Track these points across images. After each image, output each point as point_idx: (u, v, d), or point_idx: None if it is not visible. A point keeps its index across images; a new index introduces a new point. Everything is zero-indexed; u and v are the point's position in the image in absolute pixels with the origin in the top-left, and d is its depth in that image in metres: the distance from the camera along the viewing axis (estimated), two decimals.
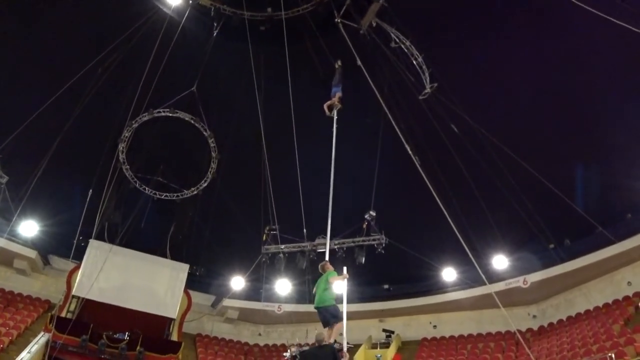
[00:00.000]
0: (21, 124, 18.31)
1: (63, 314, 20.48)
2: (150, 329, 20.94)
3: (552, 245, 20.28)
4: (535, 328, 21.29)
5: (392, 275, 24.42)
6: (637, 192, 17.67)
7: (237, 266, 24.74)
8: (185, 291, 23.84)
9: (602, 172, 18.37)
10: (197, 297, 25.42)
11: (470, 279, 21.35)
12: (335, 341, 8.22)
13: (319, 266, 9.30)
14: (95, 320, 19.55)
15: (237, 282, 24.90)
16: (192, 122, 22.14)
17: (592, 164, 18.63)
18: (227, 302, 25.37)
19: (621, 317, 17.09)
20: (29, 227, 22.23)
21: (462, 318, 23.23)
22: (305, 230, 20.18)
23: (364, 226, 20.67)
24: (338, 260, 19.70)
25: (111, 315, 20.68)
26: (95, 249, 21.90)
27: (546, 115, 19.60)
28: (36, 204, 21.16)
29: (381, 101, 15.50)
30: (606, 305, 18.90)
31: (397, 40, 19.09)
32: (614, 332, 16.11)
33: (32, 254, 22.46)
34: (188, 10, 20.05)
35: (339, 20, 19.27)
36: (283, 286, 25.05)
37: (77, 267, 21.95)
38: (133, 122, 21.23)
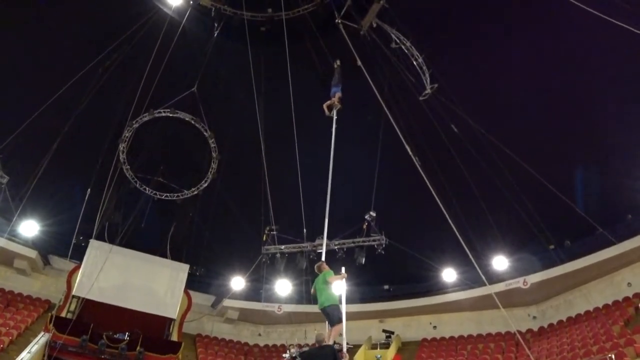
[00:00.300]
0: (22, 123, 18.33)
1: (63, 314, 20.53)
2: (150, 329, 20.95)
3: (552, 246, 20.28)
4: (535, 329, 21.27)
5: (392, 276, 24.42)
6: (637, 193, 17.66)
7: (237, 266, 24.76)
8: (186, 291, 23.86)
9: (602, 172, 18.39)
10: (197, 297, 25.44)
11: (470, 280, 21.36)
12: (335, 342, 8.21)
13: (315, 266, 9.31)
14: (95, 321, 19.56)
15: (237, 283, 24.92)
16: (193, 122, 22.16)
17: (592, 165, 18.64)
18: (227, 302, 25.37)
19: (621, 318, 17.09)
20: (29, 227, 22.24)
21: (462, 319, 23.22)
22: (305, 231, 20.20)
23: (364, 227, 20.69)
24: (338, 260, 19.72)
25: (111, 315, 20.70)
26: (96, 249, 21.92)
27: (546, 116, 19.59)
28: (36, 204, 21.19)
29: (381, 102, 15.50)
30: (606, 306, 18.89)
31: (398, 40, 19.11)
32: (614, 333, 16.10)
33: (32, 253, 22.47)
34: (189, 10, 20.07)
35: (339, 21, 19.26)
36: (283, 286, 25.06)
37: (78, 267, 21.99)
38: (134, 122, 21.25)
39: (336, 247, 20.58)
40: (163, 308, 22.63)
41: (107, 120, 21.12)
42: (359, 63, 16.56)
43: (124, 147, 21.91)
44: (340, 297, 9.06)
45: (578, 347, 16.62)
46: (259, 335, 26.65)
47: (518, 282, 20.45)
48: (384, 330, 23.44)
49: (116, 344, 19.12)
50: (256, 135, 19.58)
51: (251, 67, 18.95)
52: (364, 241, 20.77)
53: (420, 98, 19.18)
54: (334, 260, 19.44)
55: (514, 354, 19.62)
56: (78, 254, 22.20)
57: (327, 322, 8.64)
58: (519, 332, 20.04)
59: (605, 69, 17.58)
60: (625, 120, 17.33)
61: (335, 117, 12.15)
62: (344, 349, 8.23)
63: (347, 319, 8.62)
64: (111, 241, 22.37)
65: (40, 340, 17.88)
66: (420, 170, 13.68)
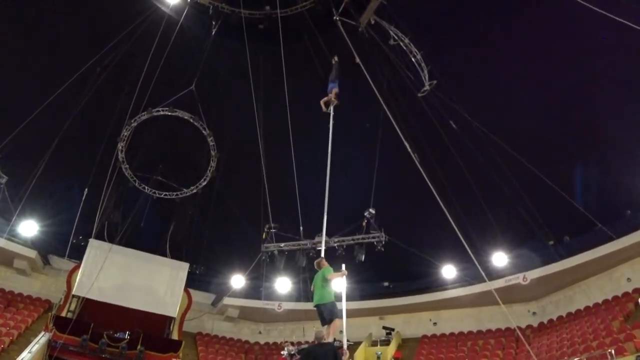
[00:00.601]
0: (20, 123, 18.29)
1: (63, 314, 20.52)
2: (150, 328, 20.95)
3: (551, 242, 20.30)
4: (535, 325, 21.31)
5: (392, 273, 24.45)
6: (636, 189, 17.66)
7: (237, 265, 24.77)
8: (186, 290, 23.87)
9: (601, 169, 18.37)
10: (197, 295, 25.45)
11: (470, 276, 21.38)
12: (334, 339, 8.19)
13: (315, 263, 9.26)
14: (95, 320, 19.54)
15: (237, 281, 24.93)
16: (191, 120, 22.11)
17: (591, 161, 18.62)
18: (227, 300, 25.40)
19: (621, 314, 17.12)
20: (29, 227, 22.23)
21: (462, 315, 23.27)
22: (301, 229, 20.18)
23: (364, 224, 20.67)
24: (338, 258, 19.72)
25: (112, 314, 20.69)
26: (95, 249, 21.91)
27: (545, 112, 19.59)
28: (36, 204, 21.17)
29: (380, 99, 15.47)
30: (606, 301, 18.92)
31: (396, 37, 19.08)
32: (613, 328, 16.13)
33: (32, 253, 22.47)
34: (186, 8, 20.01)
35: (337, 18, 19.23)
36: (283, 284, 25.07)
37: (77, 267, 21.98)
38: (132, 121, 21.20)
39: (336, 245, 20.58)
40: (163, 307, 22.64)
41: (106, 119, 21.07)
42: (358, 60, 16.54)
43: (122, 146, 21.86)
44: (339, 294, 9.04)
45: (578, 343, 16.66)
46: (260, 333, 26.69)
47: (518, 278, 20.47)
48: (384, 327, 23.45)
49: (117, 343, 19.11)
50: (255, 133, 19.56)
51: (249, 64, 18.90)
52: (363, 238, 20.75)
53: (419, 95, 19.16)
54: (334, 258, 19.44)
55: (514, 350, 19.66)
56: (78, 254, 22.19)
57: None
58: (519, 328, 20.03)
59: (605, 66, 17.57)
60: (624, 116, 17.32)
61: (332, 113, 12.13)
62: (345, 346, 8.19)
63: (347, 316, 8.61)
64: (111, 240, 22.37)
65: (40, 340, 17.89)
66: (420, 167, 13.66)
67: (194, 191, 23.50)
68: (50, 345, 17.86)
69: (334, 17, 19.32)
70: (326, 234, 20.02)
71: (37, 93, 19.18)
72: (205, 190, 23.57)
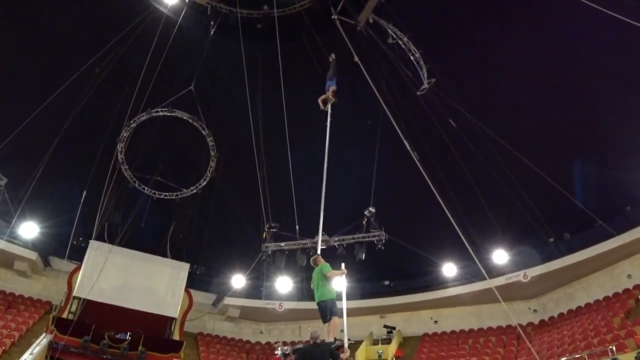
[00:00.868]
0: (19, 125, 18.27)
1: (64, 315, 20.54)
2: (151, 329, 20.98)
3: (551, 239, 20.30)
4: (536, 322, 21.33)
5: (393, 271, 24.44)
6: (636, 185, 17.64)
7: (237, 264, 24.77)
8: (186, 290, 23.88)
9: (601, 165, 18.36)
10: (198, 296, 25.46)
11: (470, 274, 21.39)
12: (335, 338, 8.16)
13: (311, 260, 9.23)
14: (96, 321, 19.55)
15: (238, 281, 24.93)
16: (190, 120, 22.09)
17: (591, 158, 18.61)
18: (228, 300, 25.41)
19: (621, 310, 17.12)
20: (29, 229, 22.20)
21: (463, 313, 23.28)
22: (297, 227, 20.16)
23: (364, 223, 20.66)
24: (338, 257, 19.73)
25: (113, 315, 20.70)
26: (96, 250, 21.93)
27: (545, 109, 19.57)
28: (36, 206, 21.16)
29: (379, 97, 15.47)
30: (606, 298, 18.93)
31: (395, 36, 19.07)
32: (614, 325, 16.14)
33: (33, 255, 22.48)
34: (184, 9, 20.00)
35: (335, 17, 19.21)
36: (283, 284, 25.07)
37: (78, 268, 22.00)
38: (131, 121, 21.18)
39: (336, 244, 20.57)
40: (164, 307, 22.66)
41: (105, 120, 21.05)
42: (357, 59, 16.53)
43: (122, 147, 21.84)
44: (340, 293, 9.02)
45: (579, 340, 16.67)
46: (261, 332, 26.70)
47: (518, 276, 20.47)
48: (385, 326, 23.48)
49: (118, 344, 19.12)
50: (255, 132, 19.55)
51: (246, 64, 18.86)
52: (363, 237, 20.74)
53: (418, 93, 19.16)
54: (334, 257, 19.45)
55: (515, 348, 19.67)
56: (78, 255, 22.20)
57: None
58: (520, 325, 20.07)
59: (605, 63, 17.57)
60: (624, 112, 17.32)
61: (329, 111, 12.12)
62: (345, 345, 8.14)
63: (348, 315, 8.59)
64: (111, 241, 22.36)
65: (42, 342, 17.94)
66: (419, 166, 13.66)
67: (194, 191, 23.47)
68: (51, 346, 17.89)
69: (333, 16, 19.30)
70: (327, 233, 20.16)
71: (36, 94, 19.17)
72: (205, 191, 23.56)
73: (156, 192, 23.41)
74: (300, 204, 18.61)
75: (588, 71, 17.72)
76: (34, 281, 23.29)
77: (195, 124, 22.20)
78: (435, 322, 23.83)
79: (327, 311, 8.32)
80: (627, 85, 17.19)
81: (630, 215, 18.42)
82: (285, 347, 10.28)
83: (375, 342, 22.84)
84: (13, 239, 21.86)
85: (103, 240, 22.31)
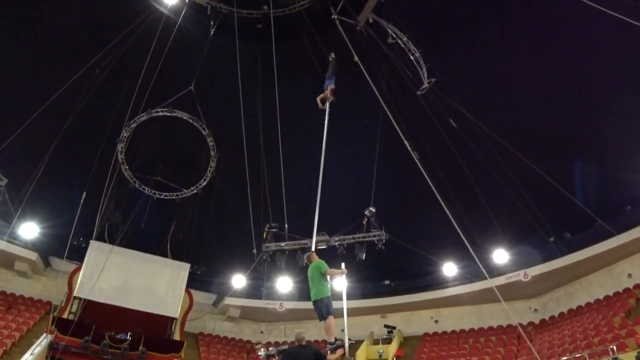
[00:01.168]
0: (19, 125, 18.28)
1: (65, 316, 20.55)
2: (152, 329, 20.98)
3: (552, 239, 20.28)
4: (537, 321, 21.33)
5: (393, 271, 24.43)
6: (636, 185, 17.66)
7: (237, 264, 24.76)
8: (187, 290, 23.88)
9: (601, 165, 18.37)
10: (198, 296, 25.46)
11: (470, 274, 21.39)
12: (336, 338, 8.14)
13: (305, 257, 9.18)
14: (97, 321, 19.56)
15: (238, 281, 24.93)
16: (191, 121, 22.09)
17: (591, 157, 18.62)
18: (228, 300, 25.41)
19: (622, 310, 17.13)
20: (30, 229, 22.19)
21: (463, 313, 23.29)
22: (286, 226, 20.15)
23: (364, 222, 20.67)
24: (339, 257, 19.73)
25: (113, 315, 20.70)
26: (96, 250, 21.93)
27: (545, 109, 19.55)
28: (36, 206, 21.14)
29: (379, 97, 15.47)
30: (607, 297, 18.94)
31: (394, 36, 19.07)
32: (615, 324, 16.15)
33: (33, 256, 22.48)
34: (184, 9, 19.99)
35: (335, 17, 19.21)
36: (284, 284, 25.09)
37: (78, 269, 22.01)
38: (131, 122, 21.17)
39: (336, 244, 20.58)
40: (165, 307, 22.66)
41: (105, 120, 21.04)
42: (356, 59, 16.53)
43: (122, 147, 21.84)
44: (339, 292, 8.98)
45: (579, 339, 16.67)
46: (261, 332, 26.70)
47: (518, 275, 20.48)
48: (385, 326, 23.49)
49: (118, 344, 19.13)
50: (255, 132, 19.56)
51: (230, 61, 18.86)
52: (364, 237, 20.75)
53: (418, 93, 19.16)
54: (335, 257, 19.46)
55: (515, 347, 19.67)
56: (79, 255, 22.20)
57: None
58: (521, 325, 20.09)
59: (605, 61, 17.58)
60: (624, 112, 17.31)
61: (327, 110, 12.14)
62: (346, 345, 8.11)
63: (348, 315, 8.58)
64: (111, 242, 22.34)
65: (42, 342, 17.95)
66: (419, 165, 13.66)
67: (194, 191, 23.47)
68: (52, 347, 17.90)
69: (332, 16, 19.30)
70: (327, 233, 20.13)
71: (36, 95, 19.18)
72: (205, 191, 23.55)
73: (156, 192, 23.40)
74: (301, 204, 18.58)
75: (589, 70, 17.74)
76: (34, 281, 23.29)
77: (195, 124, 22.19)
78: (436, 321, 23.83)
79: (323, 309, 8.24)
80: (627, 85, 17.19)
81: (630, 215, 18.43)
82: (270, 349, 10.21)
83: (375, 342, 22.85)
84: (13, 239, 21.85)
85: (103, 241, 22.29)
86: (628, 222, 18.13)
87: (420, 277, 23.94)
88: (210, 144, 22.63)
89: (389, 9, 19.21)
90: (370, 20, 19.45)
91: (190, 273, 24.02)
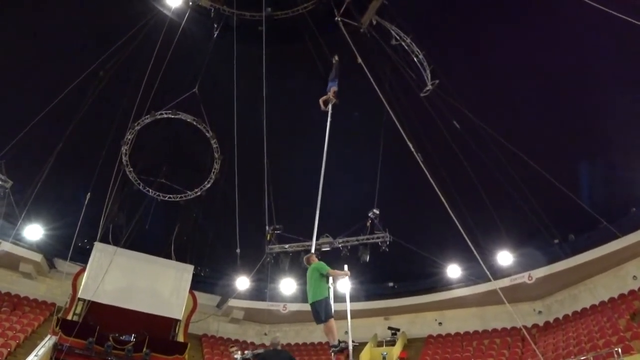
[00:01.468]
0: (24, 127, 18.37)
1: (69, 317, 20.61)
2: (156, 331, 21.01)
3: (556, 241, 20.20)
4: (541, 324, 21.24)
5: (397, 273, 24.40)
6: None
7: (241, 266, 24.75)
8: (191, 292, 23.90)
9: (605, 166, 18.30)
10: (202, 297, 25.47)
11: (474, 276, 21.31)
12: (339, 341, 8.12)
13: (304, 259, 9.18)
14: (101, 323, 19.61)
15: (242, 282, 24.91)
16: (194, 123, 22.15)
17: (595, 159, 18.55)
18: (232, 302, 25.42)
19: (627, 312, 17.02)
20: (34, 231, 22.30)
21: (467, 315, 23.20)
22: (278, 225, 20.13)
23: (368, 224, 20.66)
24: (342, 258, 19.72)
25: (117, 317, 20.75)
26: (100, 252, 22.00)
27: (549, 111, 19.53)
28: (41, 208, 21.25)
29: (383, 99, 15.47)
30: (612, 299, 18.84)
31: (398, 37, 19.07)
32: (620, 326, 16.06)
33: (38, 257, 22.56)
34: (188, 11, 20.06)
35: (339, 19, 19.23)
36: (288, 285, 25.07)
37: (83, 270, 22.07)
38: (135, 124, 21.27)
39: (340, 245, 20.58)
40: (168, 309, 22.68)
41: (109, 122, 21.13)
42: (360, 61, 16.54)
43: (126, 150, 21.93)
44: (342, 294, 8.97)
45: (584, 341, 16.59)
46: (265, 334, 26.68)
47: (523, 277, 20.40)
48: (389, 328, 23.43)
49: (122, 346, 19.17)
50: (259, 134, 19.57)
51: (234, 63, 18.82)
52: (368, 239, 20.74)
53: (422, 94, 19.15)
54: (339, 258, 19.46)
55: (519, 349, 19.60)
56: (83, 257, 22.28)
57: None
58: (525, 327, 20.01)
59: (609, 62, 17.51)
60: (629, 113, 17.26)
61: (330, 112, 12.17)
62: (350, 347, 8.09)
63: (352, 317, 8.57)
64: (115, 243, 22.40)
65: (46, 344, 17.99)
66: (423, 167, 13.65)
67: (198, 193, 23.52)
68: (56, 348, 17.95)
69: (336, 18, 19.32)
70: (331, 235, 20.11)
71: (41, 97, 19.26)
72: (209, 192, 23.59)
73: (160, 194, 23.45)
74: (304, 205, 18.58)
75: (592, 71, 17.68)
76: (39, 283, 23.38)
77: (199, 126, 22.27)
78: (440, 323, 23.75)
79: (321, 312, 8.20)
80: (631, 84, 17.12)
81: (635, 217, 18.33)
82: (246, 352, 10.15)
83: (379, 344, 22.81)
84: (18, 241, 21.92)
85: (108, 242, 22.37)
86: (633, 223, 18.02)
87: (424, 279, 23.89)
88: (214, 145, 22.69)
89: (393, 11, 19.21)
90: (374, 22, 19.46)
91: (194, 275, 24.05)
